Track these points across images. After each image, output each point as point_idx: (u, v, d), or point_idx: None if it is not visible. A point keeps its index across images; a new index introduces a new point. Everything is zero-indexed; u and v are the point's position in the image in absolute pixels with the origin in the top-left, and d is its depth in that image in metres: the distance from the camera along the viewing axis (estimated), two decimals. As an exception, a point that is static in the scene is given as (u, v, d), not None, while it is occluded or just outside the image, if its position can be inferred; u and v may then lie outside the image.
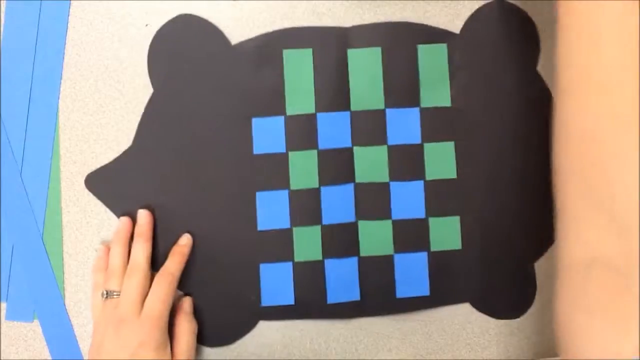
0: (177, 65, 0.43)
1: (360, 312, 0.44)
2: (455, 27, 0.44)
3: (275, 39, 0.43)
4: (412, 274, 0.44)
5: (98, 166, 0.44)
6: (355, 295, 0.44)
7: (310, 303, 0.44)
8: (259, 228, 0.44)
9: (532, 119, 0.44)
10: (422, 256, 0.44)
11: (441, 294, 0.44)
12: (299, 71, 0.43)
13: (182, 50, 0.43)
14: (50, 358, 0.45)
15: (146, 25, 0.44)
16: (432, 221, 0.44)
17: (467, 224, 0.44)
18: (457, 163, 0.44)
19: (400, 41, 0.43)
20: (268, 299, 0.44)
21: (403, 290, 0.44)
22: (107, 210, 0.44)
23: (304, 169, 0.43)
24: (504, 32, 0.44)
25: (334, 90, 0.43)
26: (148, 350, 0.39)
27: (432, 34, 0.44)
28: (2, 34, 0.44)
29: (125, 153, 0.44)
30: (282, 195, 0.43)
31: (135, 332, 0.39)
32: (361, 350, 0.45)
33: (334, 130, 0.43)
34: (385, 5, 0.45)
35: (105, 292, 0.41)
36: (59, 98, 0.44)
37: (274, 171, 0.43)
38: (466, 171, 0.44)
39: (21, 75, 0.44)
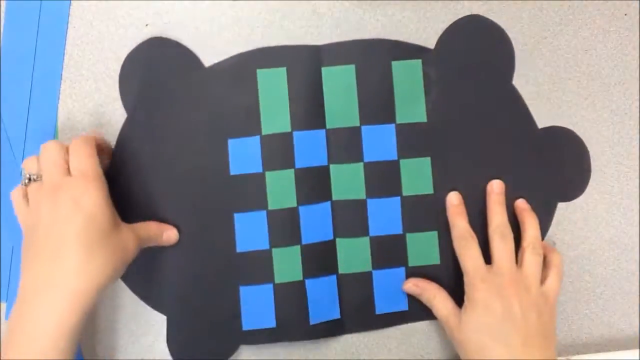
0: (149, 88, 0.43)
1: (341, 331, 0.44)
2: (432, 42, 0.45)
3: (249, 59, 0.43)
4: (390, 289, 0.44)
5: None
6: (336, 314, 0.44)
7: (292, 325, 0.43)
8: (238, 250, 0.43)
9: (508, 133, 0.44)
10: (400, 271, 0.44)
11: (419, 309, 0.44)
12: (273, 90, 0.43)
13: (154, 73, 0.43)
14: (50, 358, 0.45)
15: (146, 25, 0.44)
16: (410, 237, 0.44)
17: (445, 239, 0.44)
18: (434, 178, 0.44)
19: (374, 58, 0.43)
20: (249, 323, 0.43)
21: (382, 306, 0.44)
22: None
23: (281, 189, 0.43)
24: (478, 47, 0.44)
25: (309, 108, 0.43)
26: (89, 201, 0.36)
27: (406, 50, 0.44)
28: (2, 34, 0.44)
29: None
30: (260, 216, 0.43)
31: (72, 189, 0.36)
32: (361, 350, 0.45)
33: (310, 148, 0.43)
34: (385, 6, 0.45)
35: (27, 177, 0.38)
36: (59, 98, 0.45)
37: (251, 191, 0.43)
38: (443, 186, 0.44)
39: (21, 75, 0.44)
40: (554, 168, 0.45)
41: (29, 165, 0.39)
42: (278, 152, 0.43)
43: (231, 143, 0.43)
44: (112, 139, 0.44)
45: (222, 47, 0.44)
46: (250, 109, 0.43)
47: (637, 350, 0.45)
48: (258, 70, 0.43)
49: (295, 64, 0.43)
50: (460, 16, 0.44)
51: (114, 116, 0.44)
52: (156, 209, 0.43)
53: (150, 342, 0.44)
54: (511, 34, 0.45)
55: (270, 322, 0.43)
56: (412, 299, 0.44)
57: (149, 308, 0.44)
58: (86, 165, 0.38)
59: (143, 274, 0.43)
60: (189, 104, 0.43)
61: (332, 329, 0.44)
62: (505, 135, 0.44)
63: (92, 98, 0.45)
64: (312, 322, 0.43)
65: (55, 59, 0.44)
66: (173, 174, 0.43)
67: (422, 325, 0.45)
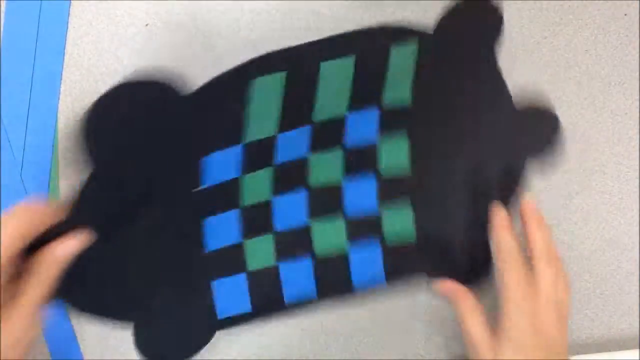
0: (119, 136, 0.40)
1: (315, 307, 0.44)
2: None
3: (245, 68, 0.40)
4: (367, 264, 0.44)
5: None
6: (313, 295, 0.43)
7: (268, 306, 0.43)
8: (207, 250, 0.42)
9: (489, 115, 0.44)
10: (376, 246, 0.44)
11: (398, 279, 0.44)
12: (266, 97, 0.41)
13: (122, 122, 0.40)
14: (50, 358, 0.45)
15: (146, 25, 0.44)
16: (386, 213, 0.44)
17: (422, 217, 0.43)
18: (411, 160, 0.43)
19: (375, 45, 0.42)
20: (224, 311, 0.43)
21: (360, 282, 0.44)
22: (107, 210, 0.44)
23: (255, 187, 0.42)
24: (473, 30, 0.43)
25: (299, 107, 0.42)
26: None
27: (407, 33, 0.42)
28: (2, 34, 0.44)
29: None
30: (232, 215, 0.42)
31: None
32: (361, 350, 0.45)
33: (291, 145, 0.42)
34: (385, 6, 0.45)
35: None
36: (59, 98, 0.44)
37: (221, 195, 0.42)
38: (420, 168, 0.43)
39: (21, 75, 0.44)
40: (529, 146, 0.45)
41: None
42: (259, 156, 0.42)
43: (207, 161, 0.41)
44: (112, 139, 0.44)
45: (222, 47, 0.44)
46: (234, 119, 0.41)
47: (637, 350, 0.45)
48: (255, 80, 0.40)
49: (295, 65, 0.41)
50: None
51: (114, 116, 0.44)
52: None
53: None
54: (511, 34, 0.45)
55: (246, 308, 0.43)
56: (391, 276, 0.44)
57: (149, 308, 0.44)
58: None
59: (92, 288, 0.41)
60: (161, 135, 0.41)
61: (307, 306, 0.44)
62: (485, 117, 0.44)
63: (92, 98, 0.44)
64: (286, 302, 0.43)
65: (55, 59, 0.44)
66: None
67: (423, 325, 0.45)
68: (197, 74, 0.44)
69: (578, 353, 0.46)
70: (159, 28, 0.44)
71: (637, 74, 0.46)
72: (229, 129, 0.42)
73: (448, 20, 0.43)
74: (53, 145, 0.44)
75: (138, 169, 0.41)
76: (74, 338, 0.45)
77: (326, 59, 0.41)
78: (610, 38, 0.46)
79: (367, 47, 0.42)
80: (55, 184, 0.45)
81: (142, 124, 0.40)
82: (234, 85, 0.41)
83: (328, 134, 0.43)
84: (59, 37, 0.44)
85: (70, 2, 0.44)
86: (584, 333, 0.46)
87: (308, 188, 0.43)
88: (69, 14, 0.44)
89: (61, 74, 0.44)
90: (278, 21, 0.44)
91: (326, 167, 0.43)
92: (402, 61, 0.42)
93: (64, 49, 0.44)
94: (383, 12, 0.45)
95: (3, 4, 0.44)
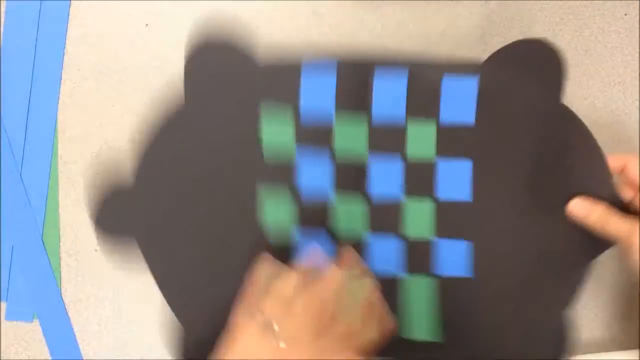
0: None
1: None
2: (433, 42, 0.44)
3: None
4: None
5: (97, 166, 0.44)
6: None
7: None
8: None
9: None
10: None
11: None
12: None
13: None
14: (50, 358, 0.45)
15: (146, 25, 0.44)
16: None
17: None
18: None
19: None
20: None
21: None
22: (107, 210, 0.44)
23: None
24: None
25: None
26: None
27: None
28: (2, 34, 0.44)
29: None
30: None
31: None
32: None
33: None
34: (385, 6, 0.45)
35: (274, 327, 0.36)
36: (59, 98, 0.45)
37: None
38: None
39: (21, 75, 0.44)
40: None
41: (283, 316, 0.36)
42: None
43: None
44: (112, 139, 0.44)
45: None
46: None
47: (637, 350, 0.45)
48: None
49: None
50: (460, 17, 0.44)
51: (114, 116, 0.44)
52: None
53: (151, 342, 0.44)
54: (512, 34, 0.45)
55: None
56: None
57: (149, 308, 0.44)
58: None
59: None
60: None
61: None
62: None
63: (92, 98, 0.45)
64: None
65: (55, 59, 0.44)
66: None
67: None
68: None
69: (578, 353, 0.46)
70: (159, 28, 0.44)
71: (637, 74, 0.46)
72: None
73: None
74: (53, 145, 0.45)
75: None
76: (73, 338, 0.45)
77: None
78: (610, 38, 0.46)
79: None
80: (54, 183, 0.45)
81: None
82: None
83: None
84: (59, 37, 0.44)
85: (70, 2, 0.44)
86: (584, 333, 0.46)
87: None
88: (69, 14, 0.44)
89: (61, 74, 0.44)
90: (278, 21, 0.44)
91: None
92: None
93: (64, 49, 0.44)
94: (383, 13, 0.45)
95: (3, 4, 0.44)
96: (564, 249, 0.42)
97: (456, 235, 0.42)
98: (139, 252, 0.43)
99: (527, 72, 0.42)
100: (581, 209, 0.41)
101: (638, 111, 0.46)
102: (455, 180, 0.42)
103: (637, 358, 0.45)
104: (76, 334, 0.45)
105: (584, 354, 0.46)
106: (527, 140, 0.41)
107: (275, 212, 0.42)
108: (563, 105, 0.41)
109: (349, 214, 0.42)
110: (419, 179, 0.42)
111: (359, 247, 0.42)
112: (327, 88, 0.42)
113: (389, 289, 0.42)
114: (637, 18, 0.46)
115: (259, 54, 0.42)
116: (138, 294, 0.45)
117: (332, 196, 0.42)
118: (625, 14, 0.46)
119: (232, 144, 0.42)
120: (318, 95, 0.42)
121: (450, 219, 0.42)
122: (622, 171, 0.41)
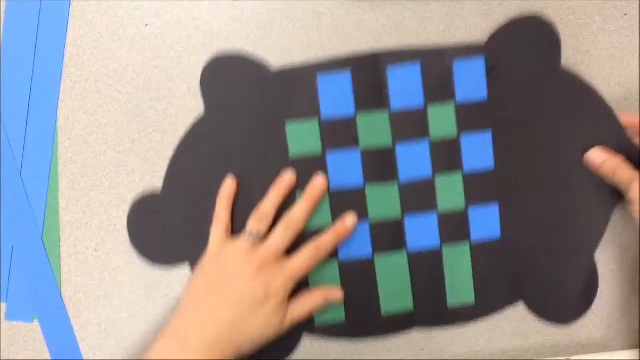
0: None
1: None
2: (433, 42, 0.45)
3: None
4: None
5: (97, 166, 0.44)
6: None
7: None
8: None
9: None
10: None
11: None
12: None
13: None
14: (50, 358, 0.45)
15: (146, 25, 0.44)
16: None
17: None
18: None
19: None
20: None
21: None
22: (107, 210, 0.45)
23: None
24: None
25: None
26: (274, 303, 0.40)
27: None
28: (2, 34, 0.44)
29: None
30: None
31: (274, 277, 0.40)
32: (361, 350, 0.45)
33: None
34: (385, 6, 0.45)
35: (255, 233, 0.41)
36: (59, 98, 0.45)
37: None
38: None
39: (21, 75, 0.44)
40: None
41: (264, 223, 0.42)
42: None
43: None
44: (112, 139, 0.44)
45: (221, 47, 0.44)
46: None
47: (637, 350, 0.45)
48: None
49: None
50: (460, 17, 0.44)
51: (114, 116, 0.44)
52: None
53: (151, 342, 0.44)
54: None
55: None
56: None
57: (149, 309, 0.44)
58: (300, 274, 0.41)
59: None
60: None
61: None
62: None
63: (92, 98, 0.45)
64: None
65: (55, 59, 0.44)
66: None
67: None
68: (196, 72, 0.44)
69: (578, 353, 0.46)
70: (159, 28, 0.44)
71: (637, 74, 0.46)
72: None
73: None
74: (53, 145, 0.45)
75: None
76: (73, 338, 0.45)
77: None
78: (610, 38, 0.46)
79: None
80: (54, 184, 0.45)
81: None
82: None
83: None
84: (59, 37, 0.44)
85: (70, 2, 0.44)
86: (584, 333, 0.46)
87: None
88: (69, 14, 0.44)
89: (61, 74, 0.44)
90: (278, 21, 0.44)
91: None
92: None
93: (64, 49, 0.44)
94: (383, 13, 0.45)
95: (3, 4, 0.44)
96: (582, 202, 0.45)
97: (484, 200, 0.45)
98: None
99: (527, 45, 0.45)
100: (597, 157, 0.43)
101: (638, 111, 0.46)
102: (479, 151, 0.44)
103: (637, 358, 0.45)
104: (76, 334, 0.45)
105: (584, 354, 0.46)
106: (537, 105, 0.45)
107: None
108: (564, 68, 0.45)
109: (383, 199, 0.44)
110: (445, 156, 0.44)
111: (397, 227, 0.44)
112: (344, 92, 0.44)
113: (433, 262, 0.45)
114: (637, 18, 0.46)
115: (269, 59, 0.44)
116: (138, 294, 0.45)
117: (363, 184, 0.44)
118: (625, 14, 0.46)
119: (255, 153, 0.44)
120: (337, 100, 0.44)
121: (477, 188, 0.45)
122: (634, 124, 0.44)
